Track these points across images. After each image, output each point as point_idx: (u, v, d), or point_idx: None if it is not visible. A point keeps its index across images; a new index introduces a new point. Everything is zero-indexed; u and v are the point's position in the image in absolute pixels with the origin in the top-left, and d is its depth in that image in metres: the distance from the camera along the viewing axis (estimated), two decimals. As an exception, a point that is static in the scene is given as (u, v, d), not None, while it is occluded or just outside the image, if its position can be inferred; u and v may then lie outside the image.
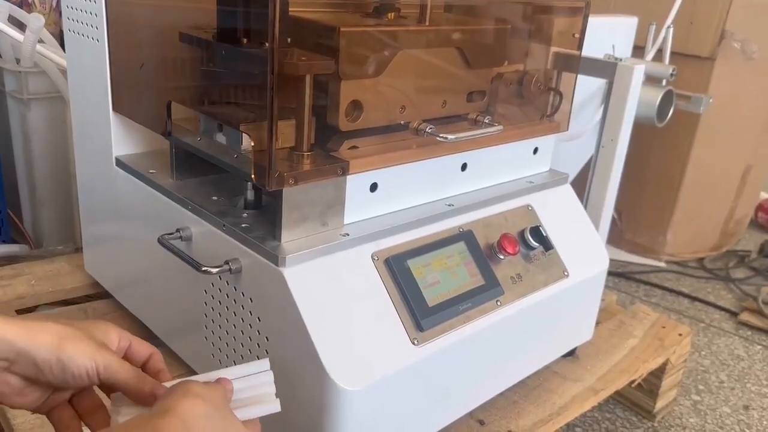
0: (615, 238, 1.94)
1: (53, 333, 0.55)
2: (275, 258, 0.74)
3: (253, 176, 0.73)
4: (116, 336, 0.60)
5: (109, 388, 0.59)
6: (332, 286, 0.76)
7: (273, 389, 0.61)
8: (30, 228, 1.48)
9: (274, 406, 0.60)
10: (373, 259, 0.80)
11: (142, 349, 0.62)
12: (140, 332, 1.04)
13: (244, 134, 0.77)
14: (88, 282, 1.17)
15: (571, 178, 1.12)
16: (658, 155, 1.93)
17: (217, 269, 0.79)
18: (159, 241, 0.85)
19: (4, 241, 1.45)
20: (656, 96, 1.45)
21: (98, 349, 0.56)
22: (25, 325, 0.55)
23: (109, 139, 0.99)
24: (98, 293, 1.16)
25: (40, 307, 1.15)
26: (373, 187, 0.83)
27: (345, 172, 0.78)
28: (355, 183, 0.81)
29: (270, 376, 0.62)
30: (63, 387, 0.57)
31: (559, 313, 1.01)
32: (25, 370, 0.55)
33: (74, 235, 1.48)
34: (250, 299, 0.79)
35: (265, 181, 0.71)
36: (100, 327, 0.60)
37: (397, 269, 0.80)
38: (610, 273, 1.10)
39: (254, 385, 0.60)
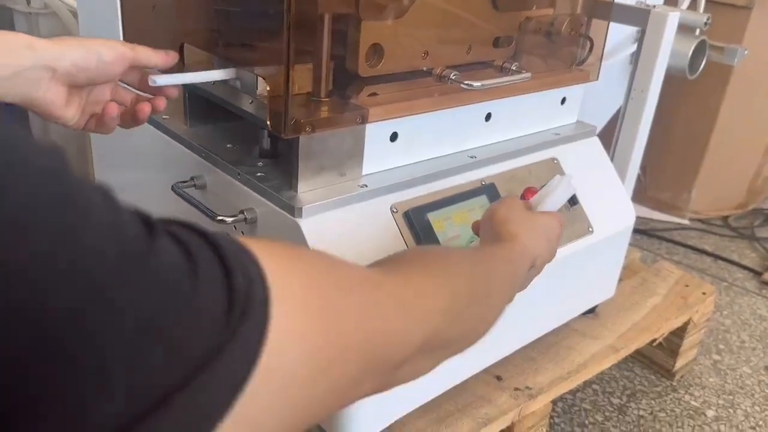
0: (638, 194, 1.89)
1: (76, 40, 0.63)
2: (291, 208, 0.71)
3: (268, 123, 0.70)
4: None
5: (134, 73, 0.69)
6: (349, 238, 0.74)
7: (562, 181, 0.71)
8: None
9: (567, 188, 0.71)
10: (392, 212, 0.77)
11: None
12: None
13: (259, 79, 0.74)
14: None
15: (598, 129, 1.08)
16: (686, 109, 1.86)
17: (232, 219, 0.76)
18: (173, 189, 0.83)
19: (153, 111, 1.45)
20: (689, 46, 1.39)
21: (108, 41, 0.64)
22: (51, 41, 0.61)
23: (121, 84, 0.96)
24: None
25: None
26: (394, 137, 0.80)
27: (364, 120, 0.74)
28: (375, 132, 0.77)
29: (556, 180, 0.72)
30: (100, 81, 0.65)
31: (581, 270, 0.98)
32: (67, 72, 0.61)
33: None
34: (266, 250, 0.77)
35: (281, 129, 0.68)
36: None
37: (416, 222, 0.77)
38: (632, 230, 1.06)
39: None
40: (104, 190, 0.29)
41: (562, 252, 0.92)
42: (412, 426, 0.83)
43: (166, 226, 0.32)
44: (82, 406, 0.26)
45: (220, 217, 0.76)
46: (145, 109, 0.69)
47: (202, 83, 0.84)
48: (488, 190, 0.87)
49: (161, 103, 0.70)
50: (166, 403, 0.27)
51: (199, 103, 0.88)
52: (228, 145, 0.84)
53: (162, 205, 0.92)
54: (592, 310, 1.10)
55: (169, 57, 0.69)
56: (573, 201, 0.93)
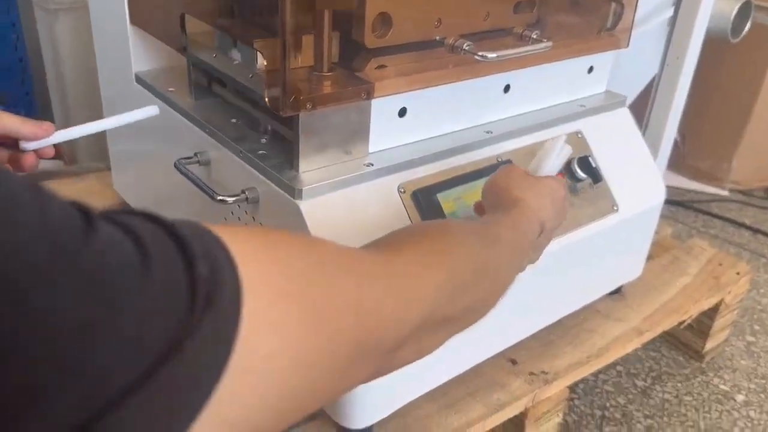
0: (676, 163, 1.81)
1: None
2: (291, 189, 0.68)
3: (266, 99, 0.66)
4: None
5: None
6: (354, 221, 0.71)
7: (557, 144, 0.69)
8: (64, 143, 1.47)
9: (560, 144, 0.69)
10: (399, 192, 0.73)
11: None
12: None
13: (258, 52, 0.70)
14: (118, 201, 1.15)
15: (629, 100, 1.01)
16: (728, 74, 1.76)
17: (234, 199, 0.74)
18: (175, 166, 0.80)
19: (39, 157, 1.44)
20: (732, 7, 1.29)
21: None
22: None
23: (128, 54, 0.94)
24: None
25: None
26: (402, 112, 0.76)
27: (370, 95, 0.70)
28: (382, 107, 0.73)
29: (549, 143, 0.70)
30: None
31: (604, 251, 0.93)
32: None
33: (107, 152, 1.45)
34: (268, 231, 0.75)
35: (279, 105, 0.64)
36: None
37: (425, 203, 0.74)
38: (667, 201, 1.00)
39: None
40: (32, 183, 0.27)
41: (584, 232, 0.87)
42: (422, 411, 0.81)
43: (115, 217, 0.29)
44: (15, 418, 0.24)
45: (220, 197, 0.74)
46: (28, 160, 0.64)
47: (204, 56, 0.81)
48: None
49: (46, 153, 0.65)
50: (123, 403, 0.25)
51: (203, 76, 0.85)
52: (233, 120, 0.81)
53: (169, 180, 0.90)
54: (617, 291, 1.05)
55: (41, 129, 0.62)
56: (596, 177, 0.88)
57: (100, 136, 1.41)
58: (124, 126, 1.05)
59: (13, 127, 0.58)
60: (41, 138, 0.60)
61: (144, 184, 1.04)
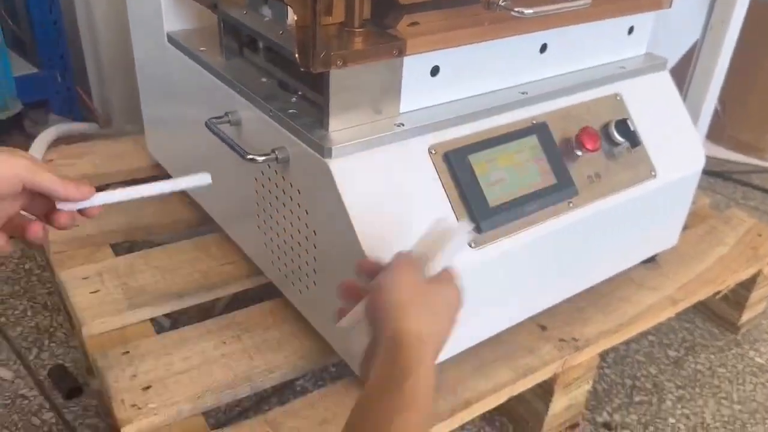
0: (715, 133, 1.75)
1: None
2: (321, 148, 0.67)
3: (296, 55, 0.65)
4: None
5: (32, 197, 0.54)
6: (383, 181, 0.70)
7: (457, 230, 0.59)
8: (99, 106, 1.48)
9: (463, 233, 0.58)
10: (430, 153, 0.72)
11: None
12: (200, 215, 1.03)
13: (289, 7, 0.69)
14: (152, 163, 1.16)
15: (670, 65, 0.98)
16: (776, 39, 1.69)
17: (264, 158, 0.73)
18: (206, 125, 0.80)
19: (75, 119, 1.46)
20: (784, -33, 1.24)
21: (13, 156, 0.52)
22: None
23: (160, 14, 0.93)
24: (162, 175, 1.15)
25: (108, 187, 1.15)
26: (435, 71, 0.74)
27: (402, 52, 0.68)
28: (414, 65, 0.71)
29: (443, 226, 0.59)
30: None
31: (640, 218, 0.91)
32: None
33: (141, 114, 1.46)
34: (298, 191, 0.74)
35: (309, 62, 0.63)
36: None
37: (456, 165, 0.72)
38: (705, 172, 0.97)
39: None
40: None
41: (620, 197, 0.85)
42: (449, 374, 0.80)
43: None
44: None
45: (250, 156, 0.73)
46: (62, 219, 0.56)
47: (235, 13, 0.80)
48: (539, 130, 0.80)
49: (89, 214, 0.57)
50: None
51: (234, 34, 0.84)
52: (263, 80, 0.80)
53: (202, 140, 0.90)
54: (652, 259, 1.03)
55: (79, 192, 0.54)
56: (635, 142, 0.85)
57: (134, 97, 1.43)
58: (156, 89, 1.06)
59: (52, 187, 0.53)
60: (79, 201, 0.54)
61: (176, 145, 1.05)
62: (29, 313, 1.10)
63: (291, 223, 0.78)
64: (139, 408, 0.71)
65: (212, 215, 1.00)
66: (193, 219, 1.05)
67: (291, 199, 0.76)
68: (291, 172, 0.74)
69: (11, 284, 1.16)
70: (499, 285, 0.78)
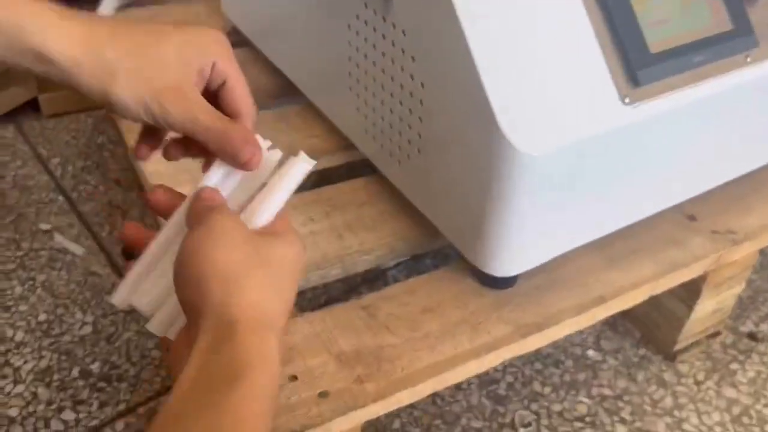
0: None
1: (104, 61, 0.38)
2: (438, -35, 0.52)
3: None
4: (209, 60, 0.41)
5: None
6: (517, 15, 0.54)
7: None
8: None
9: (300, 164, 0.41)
10: (579, -21, 0.56)
11: (237, 99, 0.43)
12: (281, 83, 0.91)
13: None
14: (227, 26, 1.03)
15: None
16: None
17: (362, -10, 0.59)
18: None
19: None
20: None
21: (155, 97, 0.39)
22: (81, 43, 0.38)
23: None
24: (237, 41, 1.03)
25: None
26: None
27: None
28: None
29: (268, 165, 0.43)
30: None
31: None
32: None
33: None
34: (403, 32, 0.60)
35: None
36: (194, 38, 0.41)
37: (611, 2, 0.56)
38: None
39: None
40: None
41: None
42: (577, 264, 0.67)
43: None
44: None
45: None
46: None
47: None
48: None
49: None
50: None
51: None
52: None
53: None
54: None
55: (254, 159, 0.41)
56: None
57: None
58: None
59: (233, 149, 0.40)
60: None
61: (256, 3, 0.91)
62: (101, 189, 1.03)
63: (392, 78, 0.64)
64: (217, 287, 0.62)
65: (296, 82, 0.87)
66: (274, 88, 0.93)
67: (393, 45, 0.62)
68: (395, 10, 0.60)
69: (83, 159, 1.09)
70: (649, 156, 0.63)
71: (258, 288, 0.35)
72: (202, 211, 0.38)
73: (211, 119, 0.40)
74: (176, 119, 0.39)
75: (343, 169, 0.80)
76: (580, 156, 0.56)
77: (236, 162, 0.41)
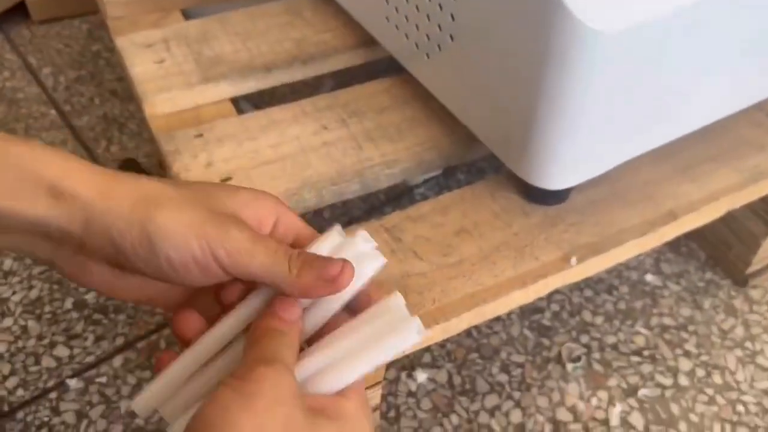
0: None
1: (140, 190, 0.31)
2: None
3: None
4: (257, 214, 0.34)
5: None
6: None
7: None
8: None
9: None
10: None
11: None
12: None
13: None
14: None
15: None
16: None
17: None
18: None
19: None
20: None
21: (211, 219, 0.31)
22: (106, 178, 0.31)
23: None
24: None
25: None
26: None
27: None
28: None
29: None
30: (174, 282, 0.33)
31: None
32: (101, 250, 0.31)
33: None
34: None
35: None
36: (239, 195, 0.34)
37: None
38: None
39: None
40: None
41: None
42: (642, 175, 0.57)
43: None
44: None
45: None
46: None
47: None
48: None
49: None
50: None
51: None
52: None
53: None
54: None
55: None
56: None
57: None
58: None
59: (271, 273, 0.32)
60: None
61: None
62: (97, 101, 0.95)
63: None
64: (215, 205, 0.53)
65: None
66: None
67: None
68: None
69: (76, 68, 0.99)
70: (733, 41, 0.51)
71: None
72: (266, 345, 0.30)
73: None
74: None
75: (363, 70, 0.70)
76: (657, 37, 0.45)
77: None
